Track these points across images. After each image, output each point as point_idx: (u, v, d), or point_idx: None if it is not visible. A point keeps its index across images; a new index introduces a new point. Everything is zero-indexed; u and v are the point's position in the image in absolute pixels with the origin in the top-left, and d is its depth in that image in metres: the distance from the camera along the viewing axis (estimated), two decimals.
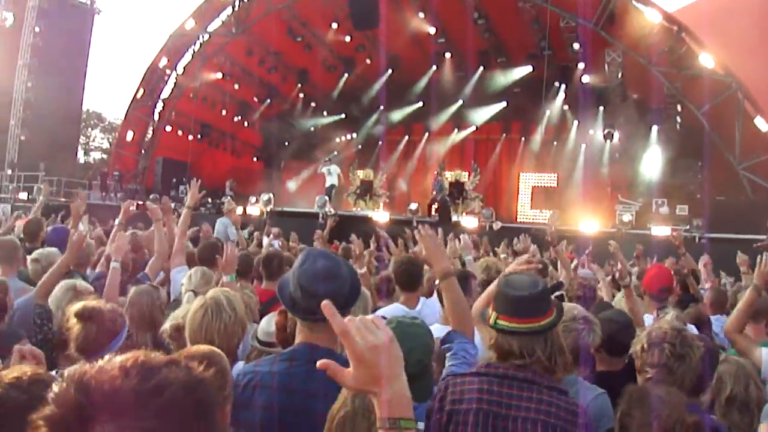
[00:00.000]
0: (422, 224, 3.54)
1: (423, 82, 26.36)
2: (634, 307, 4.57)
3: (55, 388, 1.07)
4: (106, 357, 1.12)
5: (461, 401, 2.43)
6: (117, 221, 6.60)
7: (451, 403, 2.44)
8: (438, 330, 3.38)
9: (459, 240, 6.31)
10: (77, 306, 3.37)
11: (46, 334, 3.88)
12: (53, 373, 3.15)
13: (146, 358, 1.11)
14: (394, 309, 4.70)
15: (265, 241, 10.01)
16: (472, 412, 2.39)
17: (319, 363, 1.46)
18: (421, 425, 1.50)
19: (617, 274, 4.74)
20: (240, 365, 3.38)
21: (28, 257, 5.34)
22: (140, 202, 13.61)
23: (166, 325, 3.45)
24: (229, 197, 21.83)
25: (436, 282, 3.45)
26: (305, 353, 2.42)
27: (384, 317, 3.78)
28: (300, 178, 28.39)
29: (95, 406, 1.03)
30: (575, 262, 8.11)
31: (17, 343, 4.09)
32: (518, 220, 25.66)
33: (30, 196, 24.82)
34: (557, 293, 5.46)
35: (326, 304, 1.48)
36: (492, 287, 3.88)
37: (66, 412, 1.04)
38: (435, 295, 5.01)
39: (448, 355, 2.97)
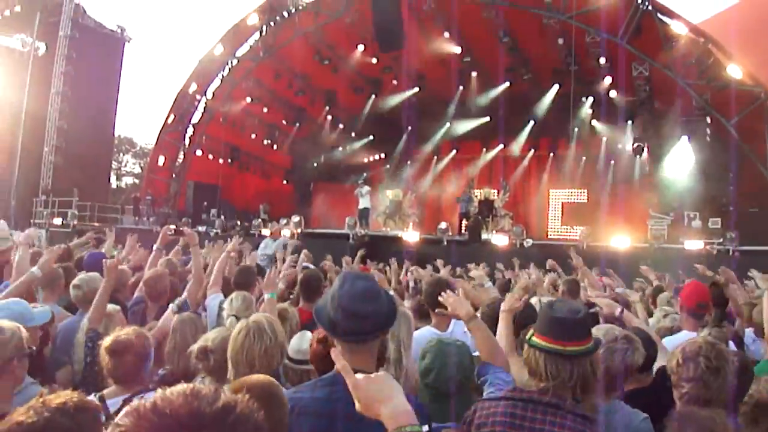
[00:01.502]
0: (445, 291, 3.85)
1: (450, 102, 26.41)
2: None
3: (125, 420, 1.16)
4: (158, 391, 1.22)
5: (485, 425, 2.48)
6: (156, 246, 6.73)
7: (476, 427, 2.50)
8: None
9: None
10: (107, 341, 3.47)
11: (95, 357, 3.97)
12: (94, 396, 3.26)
13: (197, 387, 1.24)
14: (425, 332, 4.69)
15: (300, 261, 10.05)
16: None
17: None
18: (425, 428, 1.68)
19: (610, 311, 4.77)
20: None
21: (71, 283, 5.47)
22: (175, 227, 13.78)
23: (194, 347, 3.51)
24: (261, 219, 22.11)
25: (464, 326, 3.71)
26: None
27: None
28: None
29: (179, 428, 1.14)
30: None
31: (61, 369, 4.22)
32: (549, 237, 25.57)
33: (64, 222, 25.22)
34: (591, 311, 5.45)
35: (335, 355, 1.93)
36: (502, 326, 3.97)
37: None
38: None
39: (485, 385, 3.03)
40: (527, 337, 2.62)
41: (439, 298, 3.78)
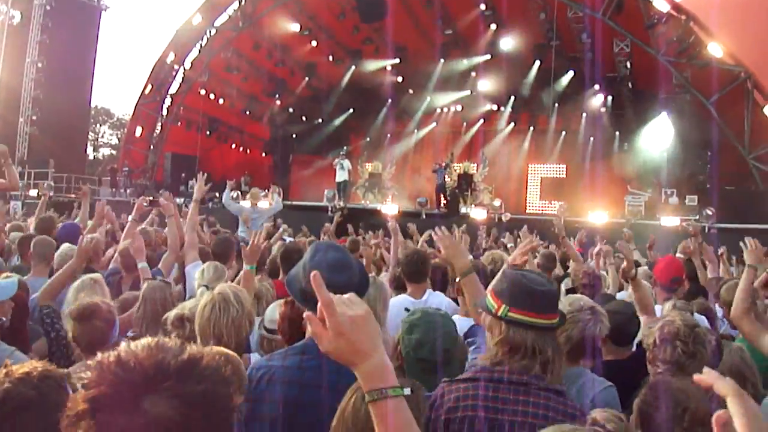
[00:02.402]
0: (438, 227, 3.60)
1: (431, 75, 26.22)
2: (643, 298, 4.47)
3: (89, 374, 1.14)
4: (123, 344, 1.20)
5: (456, 409, 2.35)
6: (131, 217, 6.65)
7: (446, 411, 2.36)
8: (458, 322, 3.41)
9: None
10: (73, 308, 3.41)
11: (58, 331, 3.92)
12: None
13: (162, 340, 1.22)
14: (401, 300, 4.71)
15: (281, 234, 10.03)
16: (467, 420, 2.33)
17: (306, 314, 1.55)
18: (407, 390, 1.55)
19: (624, 266, 4.66)
20: (255, 356, 3.43)
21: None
22: (152, 198, 13.70)
23: (170, 314, 3.48)
24: (241, 191, 21.94)
25: (457, 279, 3.47)
26: (316, 347, 2.42)
27: (407, 309, 3.83)
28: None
29: (145, 379, 1.12)
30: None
31: (35, 341, 4.18)
32: (527, 211, 25.65)
33: (40, 193, 24.98)
34: (564, 283, 5.48)
35: (315, 275, 1.50)
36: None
37: (116, 390, 1.11)
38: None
39: (471, 348, 3.00)
40: (501, 314, 2.41)
41: (433, 236, 3.61)
